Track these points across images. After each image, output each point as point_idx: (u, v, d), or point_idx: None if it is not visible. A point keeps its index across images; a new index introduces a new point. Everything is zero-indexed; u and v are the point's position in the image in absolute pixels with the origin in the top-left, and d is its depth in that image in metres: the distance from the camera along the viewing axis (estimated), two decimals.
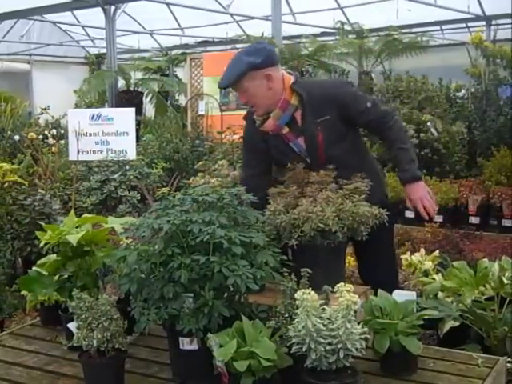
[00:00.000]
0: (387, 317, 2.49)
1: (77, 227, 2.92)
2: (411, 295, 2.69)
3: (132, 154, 5.97)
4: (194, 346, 2.36)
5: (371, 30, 10.69)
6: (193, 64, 8.34)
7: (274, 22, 8.10)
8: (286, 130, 3.09)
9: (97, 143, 5.99)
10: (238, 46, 12.45)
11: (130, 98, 10.27)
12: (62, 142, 6.82)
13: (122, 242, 2.69)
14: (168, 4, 11.99)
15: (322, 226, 2.65)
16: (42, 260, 3.01)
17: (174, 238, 2.40)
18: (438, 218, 6.21)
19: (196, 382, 2.39)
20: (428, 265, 3.65)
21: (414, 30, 11.51)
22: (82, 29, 14.45)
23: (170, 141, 7.37)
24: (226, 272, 2.27)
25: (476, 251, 4.92)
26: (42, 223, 3.33)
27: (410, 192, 3.10)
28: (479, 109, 7.80)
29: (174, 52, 14.74)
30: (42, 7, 10.06)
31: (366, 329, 2.19)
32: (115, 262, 2.52)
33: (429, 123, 7.18)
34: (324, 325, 2.13)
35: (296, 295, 2.18)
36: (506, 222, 5.98)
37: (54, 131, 6.57)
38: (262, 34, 8.72)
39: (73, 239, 2.76)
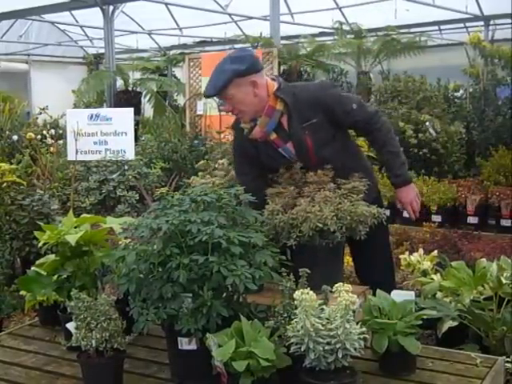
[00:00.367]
0: (386, 317, 2.50)
1: (75, 227, 2.92)
2: (410, 295, 2.69)
3: (130, 154, 5.96)
4: (193, 346, 2.36)
5: (369, 30, 10.69)
6: (191, 64, 8.33)
7: (273, 22, 8.10)
8: (273, 136, 3.08)
9: (95, 143, 5.98)
10: (236, 46, 12.44)
11: (128, 98, 10.25)
12: (61, 141, 6.80)
13: (120, 242, 2.69)
14: (166, 4, 11.98)
15: (320, 225, 2.66)
16: (41, 260, 3.01)
17: (172, 238, 2.40)
18: (437, 218, 6.23)
19: (195, 382, 2.39)
20: (426, 265, 3.66)
21: (412, 30, 11.52)
22: (81, 29, 14.44)
23: (169, 141, 7.37)
24: (225, 272, 2.27)
25: (474, 251, 4.93)
26: (41, 223, 3.32)
27: (401, 195, 3.21)
28: (477, 109, 7.82)
29: (172, 52, 14.72)
30: (40, 7, 10.04)
31: (364, 329, 2.19)
32: (114, 262, 2.53)
33: (427, 123, 7.19)
34: (323, 325, 2.13)
35: (295, 295, 2.18)
36: (504, 222, 6.00)
37: (53, 131, 6.57)
38: (261, 34, 8.72)
39: (71, 239, 2.76)
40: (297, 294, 2.16)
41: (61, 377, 2.56)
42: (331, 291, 2.22)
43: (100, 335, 2.33)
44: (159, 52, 15.08)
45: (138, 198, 5.55)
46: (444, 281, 3.29)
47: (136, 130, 8.31)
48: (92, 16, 11.25)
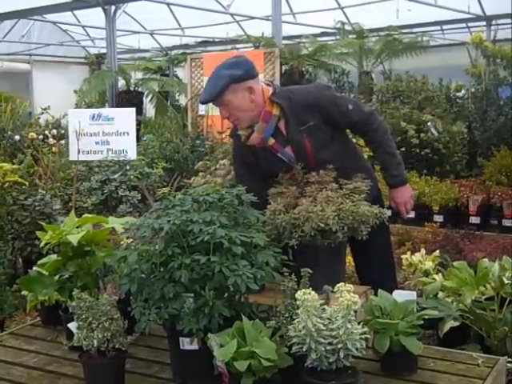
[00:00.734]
0: (387, 317, 2.49)
1: (77, 227, 2.92)
2: (411, 295, 2.69)
3: (132, 154, 5.97)
4: (195, 346, 2.36)
5: (371, 30, 10.68)
6: (193, 64, 8.33)
7: (275, 22, 8.09)
8: (272, 141, 3.08)
9: (97, 143, 5.99)
10: (238, 46, 12.46)
11: (130, 98, 10.26)
12: (63, 142, 6.81)
13: (122, 242, 2.69)
14: (168, 4, 11.98)
15: (322, 225, 2.66)
16: (43, 260, 3.01)
17: (174, 238, 2.40)
18: (439, 218, 6.23)
19: (196, 382, 2.39)
20: (428, 265, 3.66)
21: (414, 30, 11.49)
22: (83, 29, 14.45)
23: (171, 141, 7.37)
24: (227, 272, 2.28)
25: (476, 251, 4.92)
26: (43, 223, 3.33)
27: (396, 195, 3.24)
28: (479, 109, 7.80)
29: (174, 52, 14.73)
30: (42, 7, 10.05)
31: (366, 329, 2.19)
32: (116, 262, 2.53)
33: (429, 123, 7.19)
34: (324, 325, 2.13)
35: (296, 295, 2.18)
36: (506, 222, 5.99)
37: (55, 131, 6.59)
38: (262, 34, 8.71)
39: (73, 239, 2.76)
40: (298, 294, 2.16)
41: (62, 377, 2.56)
42: (333, 291, 2.22)
43: (102, 335, 2.33)
44: (161, 52, 15.09)
45: (139, 197, 5.56)
46: (446, 281, 3.29)
47: (138, 130, 8.34)
48: (94, 16, 11.28)
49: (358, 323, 2.19)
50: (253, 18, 11.79)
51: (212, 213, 2.41)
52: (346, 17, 11.66)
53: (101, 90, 10.95)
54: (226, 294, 2.39)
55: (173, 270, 2.32)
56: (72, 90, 13.10)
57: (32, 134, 6.30)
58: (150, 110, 11.78)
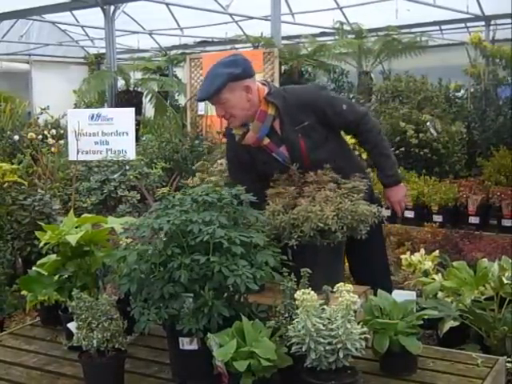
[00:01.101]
0: (387, 317, 2.50)
1: (76, 227, 2.92)
2: (411, 295, 2.69)
3: (132, 154, 5.96)
4: (194, 346, 2.36)
5: (370, 30, 10.68)
6: (192, 64, 8.33)
7: (274, 22, 8.09)
8: (266, 141, 3.08)
9: (96, 143, 5.98)
10: (237, 46, 12.45)
11: (129, 98, 10.25)
12: (62, 141, 6.80)
13: (121, 242, 2.69)
14: (167, 4, 11.98)
15: (321, 225, 2.66)
16: (42, 260, 3.01)
17: (173, 238, 2.40)
18: (438, 218, 6.23)
19: (196, 382, 2.39)
20: (428, 265, 3.66)
21: (413, 30, 11.50)
22: (82, 29, 14.44)
23: (170, 141, 7.36)
24: (226, 272, 2.28)
25: (476, 251, 4.92)
26: (42, 223, 3.33)
27: (390, 194, 3.28)
28: (478, 109, 7.81)
29: (173, 52, 14.72)
30: (41, 7, 10.04)
31: (365, 329, 2.19)
32: (115, 262, 2.53)
33: (428, 123, 7.19)
34: (324, 325, 2.13)
35: (296, 295, 2.18)
36: (505, 222, 5.99)
37: (54, 131, 6.57)
38: (262, 34, 8.71)
39: (72, 239, 2.76)
40: (298, 294, 2.16)
41: (62, 377, 2.56)
42: (332, 291, 2.22)
43: (101, 335, 2.33)
44: (160, 52, 15.09)
45: (139, 197, 5.55)
46: (445, 281, 3.29)
47: (137, 130, 8.32)
48: (93, 16, 11.26)
49: (358, 323, 2.19)
50: (252, 18, 11.78)
51: (211, 213, 2.41)
52: (345, 17, 11.66)
53: (100, 90, 10.95)
54: (226, 294, 2.39)
55: (172, 270, 2.32)
56: (71, 90, 13.10)
57: (31, 134, 6.29)
58: (149, 110, 11.77)
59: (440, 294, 3.28)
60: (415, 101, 7.64)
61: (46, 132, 6.50)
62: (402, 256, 3.89)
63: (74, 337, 2.40)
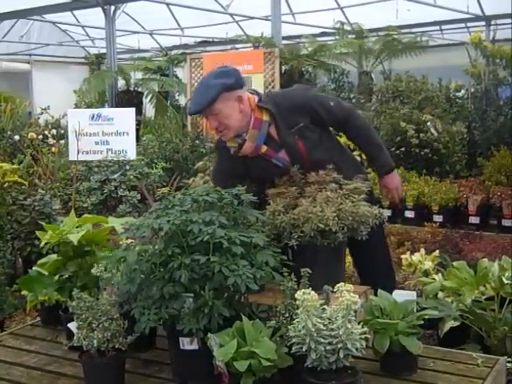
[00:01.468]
0: (387, 317, 2.50)
1: (77, 227, 2.92)
2: (411, 295, 2.69)
3: (132, 154, 5.97)
4: (195, 346, 2.36)
5: (371, 30, 10.68)
6: (193, 64, 8.33)
7: (274, 22, 8.08)
8: (264, 148, 3.07)
9: (97, 143, 5.99)
10: (237, 46, 12.45)
11: (129, 98, 10.25)
12: (62, 142, 6.81)
13: (122, 242, 2.69)
14: (168, 4, 11.97)
15: (321, 226, 2.66)
16: (43, 260, 3.01)
17: (174, 238, 2.40)
18: (438, 218, 6.23)
19: (196, 382, 2.39)
20: (428, 265, 3.66)
21: (413, 30, 11.49)
22: (82, 29, 14.43)
23: (170, 141, 7.37)
24: (226, 272, 2.28)
25: (476, 251, 4.92)
26: (43, 223, 3.33)
27: (387, 181, 3.30)
28: (479, 109, 7.81)
29: (173, 52, 14.72)
30: (41, 7, 10.04)
31: (366, 329, 2.19)
32: (115, 262, 2.52)
33: (429, 123, 7.18)
34: (324, 325, 2.13)
35: (296, 295, 2.18)
36: (505, 222, 5.99)
37: (54, 131, 6.58)
38: (262, 34, 8.71)
39: (74, 238, 2.76)
40: (298, 294, 2.16)
41: (62, 377, 2.56)
42: (333, 291, 2.22)
43: (102, 335, 2.34)
44: (161, 52, 15.08)
45: (139, 197, 5.56)
46: (445, 281, 3.29)
47: (137, 130, 8.33)
48: (93, 16, 11.26)
49: (358, 323, 2.19)
50: (252, 18, 11.77)
51: (211, 213, 2.41)
52: (346, 17, 11.65)
53: (100, 90, 10.95)
54: (226, 294, 2.39)
55: (172, 270, 2.32)
56: (72, 90, 13.10)
57: (32, 134, 6.30)
58: (149, 110, 11.77)
59: (440, 294, 3.27)
60: (416, 101, 7.63)
61: (46, 132, 6.52)
62: (403, 256, 3.89)
63: (74, 337, 2.40)
